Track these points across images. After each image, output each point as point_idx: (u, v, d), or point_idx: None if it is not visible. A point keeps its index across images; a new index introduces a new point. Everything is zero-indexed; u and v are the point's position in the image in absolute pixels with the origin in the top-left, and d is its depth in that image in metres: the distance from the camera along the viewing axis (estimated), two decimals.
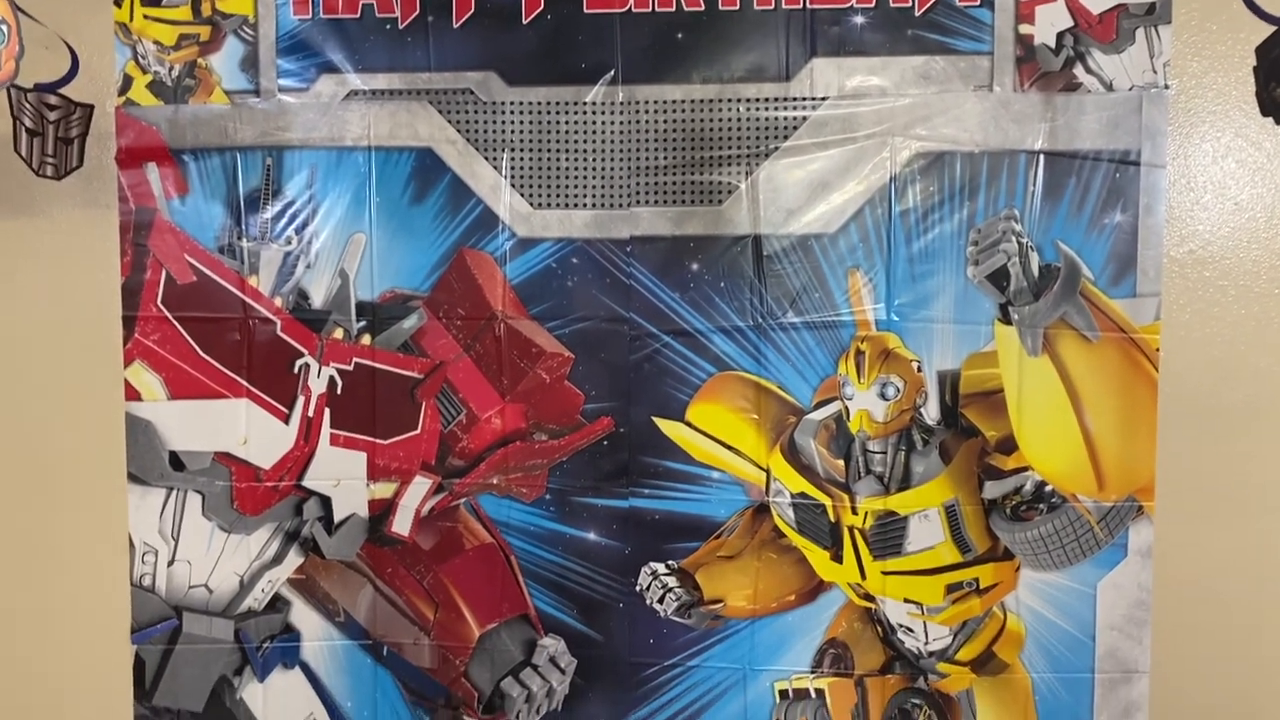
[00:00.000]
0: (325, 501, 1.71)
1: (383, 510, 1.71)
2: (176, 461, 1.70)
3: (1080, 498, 1.64)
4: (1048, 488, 1.64)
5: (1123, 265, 1.60)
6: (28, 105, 1.52)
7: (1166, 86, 1.58)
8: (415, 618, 1.73)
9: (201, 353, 1.68)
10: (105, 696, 1.74)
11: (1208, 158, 1.68)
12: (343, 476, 1.70)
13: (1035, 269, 1.61)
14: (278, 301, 1.68)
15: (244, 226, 1.67)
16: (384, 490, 1.71)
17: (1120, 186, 1.59)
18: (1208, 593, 1.68)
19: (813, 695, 1.71)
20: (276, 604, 1.73)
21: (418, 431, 1.70)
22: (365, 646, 1.73)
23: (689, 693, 1.72)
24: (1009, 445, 1.64)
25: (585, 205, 1.65)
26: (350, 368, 1.69)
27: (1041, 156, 1.60)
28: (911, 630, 1.69)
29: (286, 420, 1.69)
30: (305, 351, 1.68)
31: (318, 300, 1.69)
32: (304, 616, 1.73)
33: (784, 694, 1.71)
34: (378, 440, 1.70)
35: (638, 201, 1.65)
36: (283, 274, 1.68)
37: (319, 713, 1.74)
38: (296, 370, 1.68)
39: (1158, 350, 1.61)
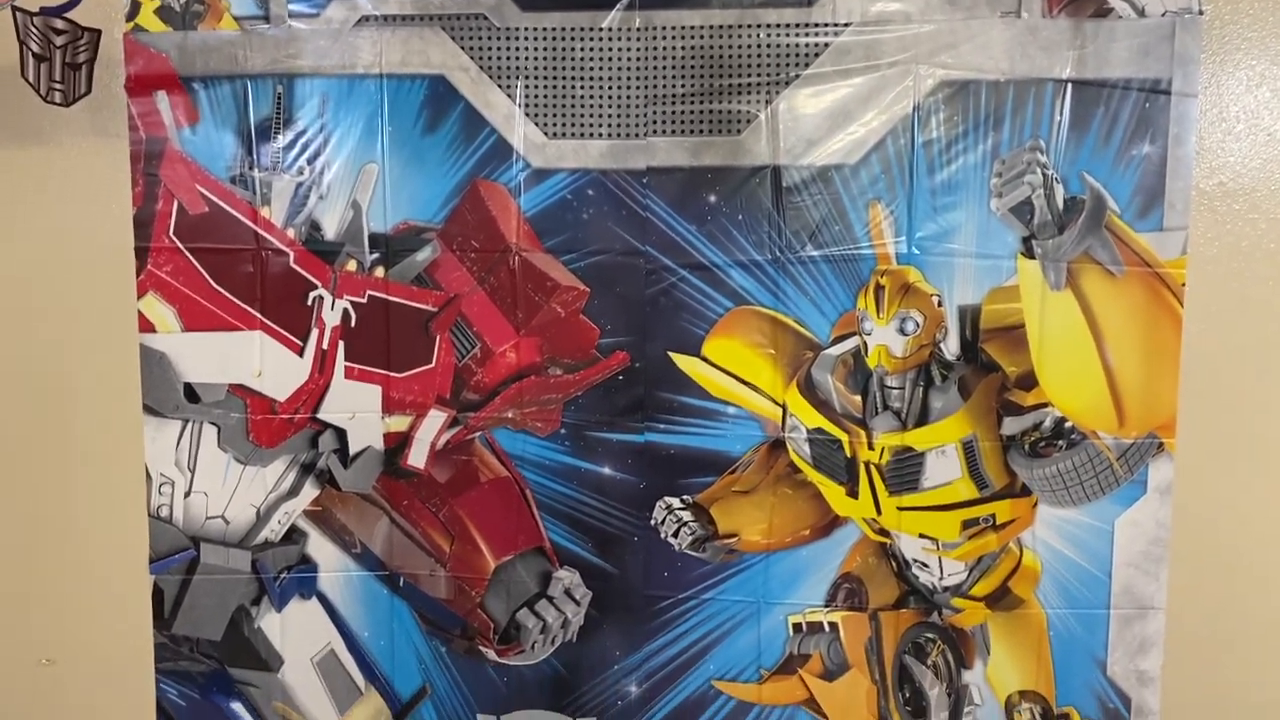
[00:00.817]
0: (340, 434, 1.71)
1: (398, 443, 1.71)
2: (191, 393, 1.69)
3: (1100, 434, 1.62)
4: (1067, 424, 1.63)
5: (1150, 198, 1.57)
6: (34, 29, 1.50)
7: (1200, 12, 1.53)
8: (431, 550, 1.73)
9: (215, 284, 1.67)
10: (125, 625, 1.76)
11: (1241, 86, 1.63)
12: (358, 410, 1.70)
13: (1060, 201, 1.58)
14: (290, 233, 1.66)
15: (255, 156, 1.65)
16: (399, 424, 1.71)
17: (1150, 116, 1.55)
18: (1226, 530, 1.67)
19: (826, 629, 1.71)
20: (293, 535, 1.74)
21: (432, 365, 1.69)
22: (382, 578, 1.74)
23: (703, 625, 1.73)
24: (1029, 381, 1.62)
25: (601, 135, 1.62)
26: (364, 300, 1.68)
27: (1069, 85, 1.56)
28: (926, 565, 1.69)
29: (301, 353, 1.69)
30: (318, 284, 1.67)
31: (330, 232, 1.67)
32: (321, 548, 1.74)
33: (798, 627, 1.72)
34: (392, 374, 1.69)
35: (654, 131, 1.61)
36: (295, 205, 1.66)
37: (336, 642, 1.75)
38: (310, 302, 1.67)
39: (1183, 285, 1.58)
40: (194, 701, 1.77)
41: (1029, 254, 1.59)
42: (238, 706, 1.76)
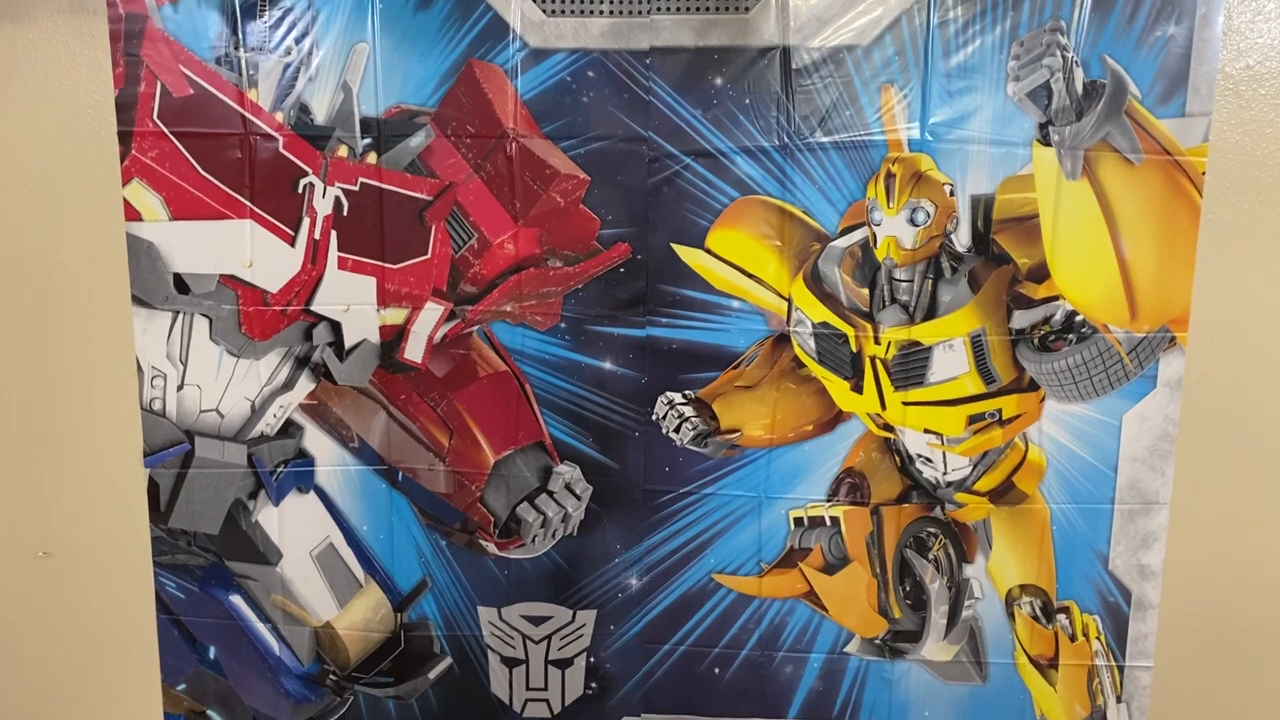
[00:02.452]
0: (335, 327, 1.67)
1: (394, 336, 1.67)
2: (181, 284, 1.65)
3: (1111, 328, 1.59)
4: (1078, 318, 1.59)
5: (1173, 82, 1.51)
6: None
7: None
8: (430, 444, 1.71)
9: (202, 170, 1.61)
10: (122, 519, 1.74)
11: None
12: (352, 302, 1.66)
13: (1079, 86, 1.52)
14: (279, 117, 1.60)
15: (241, 35, 1.57)
16: (395, 316, 1.67)
17: None
18: (1235, 425, 1.65)
19: (828, 523, 1.71)
20: (289, 429, 1.71)
21: (428, 256, 1.65)
22: (380, 472, 1.72)
23: (703, 520, 1.72)
24: (1041, 273, 1.58)
25: (602, 12, 1.55)
26: (356, 188, 1.62)
27: None
28: (930, 460, 1.68)
29: (292, 242, 1.64)
30: (309, 170, 1.61)
31: (320, 116, 1.60)
32: (317, 442, 1.72)
33: (799, 522, 1.71)
34: (387, 265, 1.65)
35: (658, 9, 1.54)
36: (283, 87, 1.59)
37: (335, 536, 1.74)
38: (301, 190, 1.62)
39: (1203, 174, 1.53)
40: (193, 594, 1.77)
41: (1045, 141, 1.54)
42: (237, 599, 1.76)
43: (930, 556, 1.70)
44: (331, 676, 1.79)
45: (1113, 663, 1.71)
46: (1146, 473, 1.64)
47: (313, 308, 1.66)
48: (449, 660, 1.78)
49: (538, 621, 1.76)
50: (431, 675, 1.79)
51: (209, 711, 1.81)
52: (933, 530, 1.70)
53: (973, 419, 1.65)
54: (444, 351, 1.68)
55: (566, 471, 1.71)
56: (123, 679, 1.82)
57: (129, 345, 1.68)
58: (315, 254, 1.64)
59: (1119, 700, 1.72)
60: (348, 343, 1.68)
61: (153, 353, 1.68)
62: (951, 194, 1.56)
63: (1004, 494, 1.67)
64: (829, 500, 1.70)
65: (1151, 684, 1.71)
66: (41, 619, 1.82)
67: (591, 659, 1.77)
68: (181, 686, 1.80)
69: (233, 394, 1.70)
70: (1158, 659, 1.70)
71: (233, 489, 1.72)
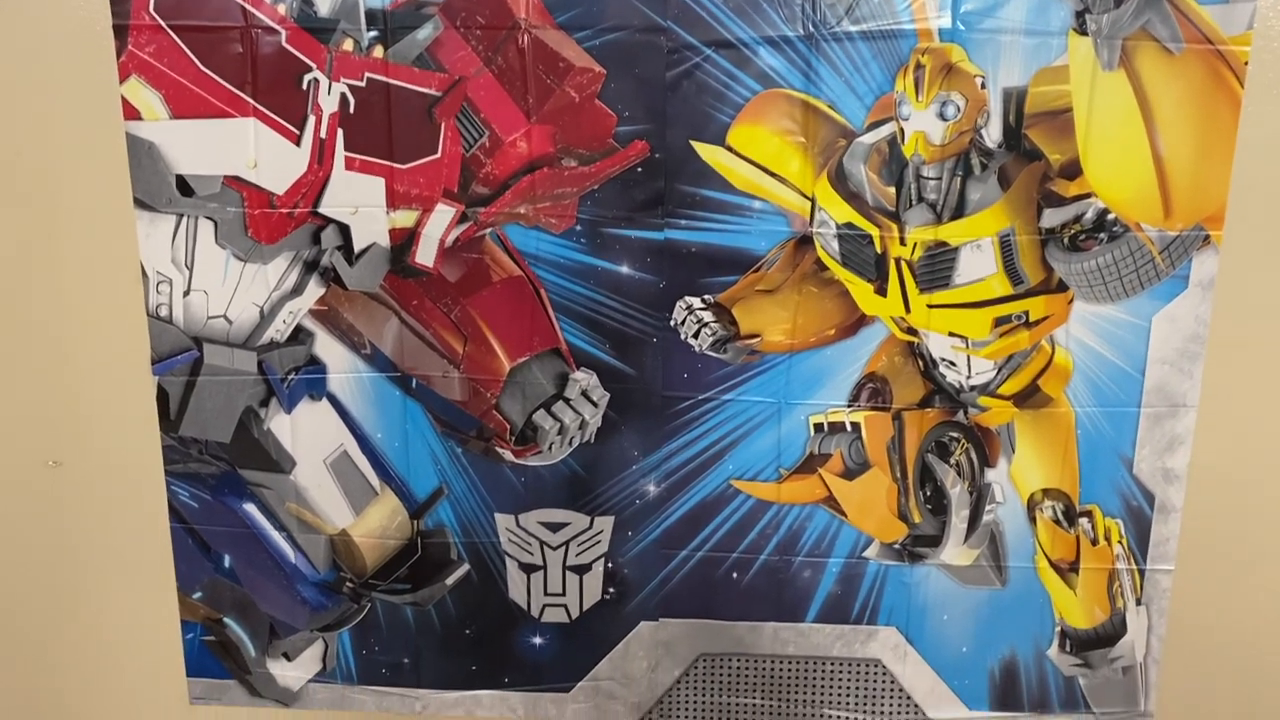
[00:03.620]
0: (344, 230, 1.62)
1: (405, 240, 1.63)
2: (184, 186, 1.60)
3: (1144, 226, 1.54)
4: (1110, 216, 1.55)
5: None
6: None
7: None
8: (444, 351, 1.68)
9: (202, 66, 1.54)
10: (132, 427, 1.72)
11: None
12: (360, 203, 1.61)
13: None
14: (280, 9, 1.52)
15: None
16: (405, 219, 1.62)
17: None
18: (1267, 327, 1.61)
19: (848, 428, 1.68)
20: (299, 336, 1.67)
21: (438, 155, 1.59)
22: (393, 379, 1.69)
23: (722, 426, 1.69)
24: (1073, 170, 1.53)
25: None
26: (362, 84, 1.56)
27: None
28: (954, 364, 1.65)
29: (298, 142, 1.58)
30: (313, 65, 1.55)
31: (324, 8, 1.53)
32: (328, 348, 1.68)
33: (819, 427, 1.69)
34: (395, 165, 1.59)
35: None
36: None
37: (349, 444, 1.72)
38: (305, 86, 1.55)
39: (1246, 64, 1.47)
40: (206, 503, 1.75)
41: (1081, 30, 1.47)
42: (250, 508, 1.75)
43: (952, 461, 1.68)
44: (348, 584, 1.78)
45: (1134, 566, 1.70)
46: (1174, 375, 1.61)
47: (320, 210, 1.61)
48: (466, 567, 1.77)
49: (555, 528, 1.75)
50: (449, 582, 1.78)
51: (225, 619, 1.81)
52: (955, 435, 1.68)
53: (999, 321, 1.61)
54: (456, 255, 1.64)
55: (583, 378, 1.68)
56: (138, 588, 1.81)
57: (133, 250, 1.63)
58: (321, 154, 1.59)
59: (1139, 603, 1.72)
60: (357, 246, 1.63)
61: (157, 257, 1.63)
62: (983, 87, 1.50)
63: (1028, 398, 1.64)
64: (850, 405, 1.67)
65: (1172, 587, 1.71)
66: (54, 529, 1.81)
67: (609, 564, 1.77)
68: (197, 595, 1.80)
69: (240, 300, 1.65)
70: (1179, 562, 1.69)
71: (243, 396, 1.69)
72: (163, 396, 1.70)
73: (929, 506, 1.71)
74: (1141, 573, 1.70)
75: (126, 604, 1.83)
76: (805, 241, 1.60)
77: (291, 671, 1.83)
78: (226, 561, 1.78)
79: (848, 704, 1.80)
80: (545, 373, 1.68)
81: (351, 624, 1.80)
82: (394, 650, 1.82)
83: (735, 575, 1.76)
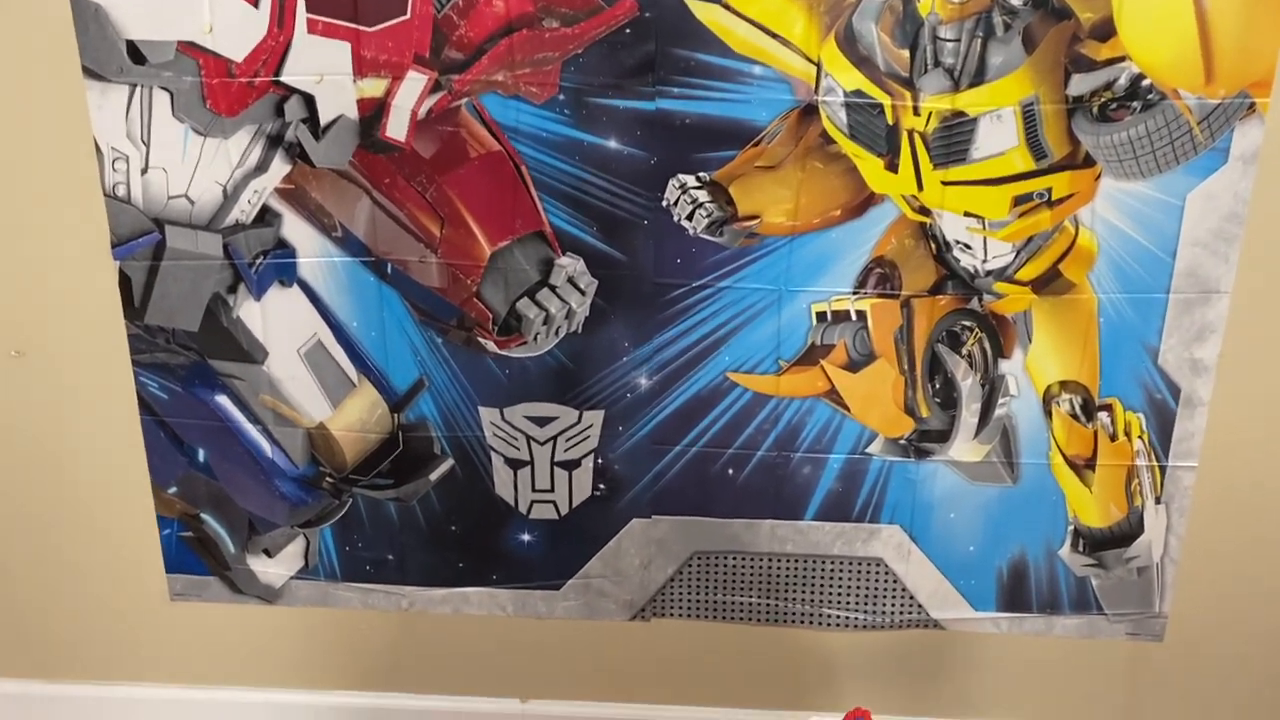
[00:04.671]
0: (309, 101, 1.50)
1: (374, 111, 1.50)
2: (136, 53, 1.47)
3: (1182, 93, 1.40)
4: (1145, 81, 1.40)
5: None
6: None
7: None
8: (419, 233, 1.57)
9: None
10: (95, 315, 1.63)
11: None
12: (325, 71, 1.48)
13: None
14: None
15: None
16: (373, 88, 1.49)
17: None
18: None
19: (853, 317, 1.57)
20: (266, 217, 1.57)
21: (407, 17, 1.45)
22: (367, 264, 1.59)
23: (718, 315, 1.59)
24: (1106, 30, 1.38)
25: None
26: None
27: None
28: (969, 247, 1.53)
29: (256, 3, 1.45)
30: None
31: None
32: (297, 230, 1.57)
33: (822, 316, 1.58)
34: (362, 28, 1.46)
35: None
36: None
37: (323, 333, 1.63)
38: None
39: None
40: (176, 395, 1.67)
41: None
42: (223, 400, 1.67)
43: (963, 352, 1.58)
44: (328, 479, 1.71)
45: (1154, 463, 1.61)
46: (1208, 258, 1.48)
47: (282, 78, 1.48)
48: (450, 462, 1.70)
49: (542, 422, 1.67)
50: (433, 477, 1.71)
51: (203, 515, 1.75)
52: (968, 324, 1.57)
53: (1019, 200, 1.48)
54: (430, 128, 1.51)
55: (569, 264, 1.57)
56: (111, 482, 1.75)
57: (84, 123, 1.52)
58: (282, 16, 1.45)
59: (1158, 501, 1.63)
60: (323, 119, 1.51)
61: (111, 132, 1.52)
62: None
63: (1048, 283, 1.53)
64: (855, 292, 1.56)
65: (1194, 485, 1.61)
66: (20, 421, 1.73)
67: (599, 460, 1.68)
68: (173, 490, 1.74)
69: (202, 178, 1.54)
70: (1203, 459, 1.60)
71: (210, 282, 1.60)
72: (125, 283, 1.60)
73: (938, 400, 1.61)
74: (1162, 469, 1.61)
75: (100, 500, 1.77)
76: (810, 111, 1.47)
77: (273, 568, 1.78)
78: (201, 456, 1.71)
79: (848, 603, 1.74)
80: (529, 258, 1.57)
81: (333, 520, 1.74)
82: (378, 547, 1.76)
83: (731, 472, 1.68)
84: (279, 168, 1.54)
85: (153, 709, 1.90)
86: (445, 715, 1.88)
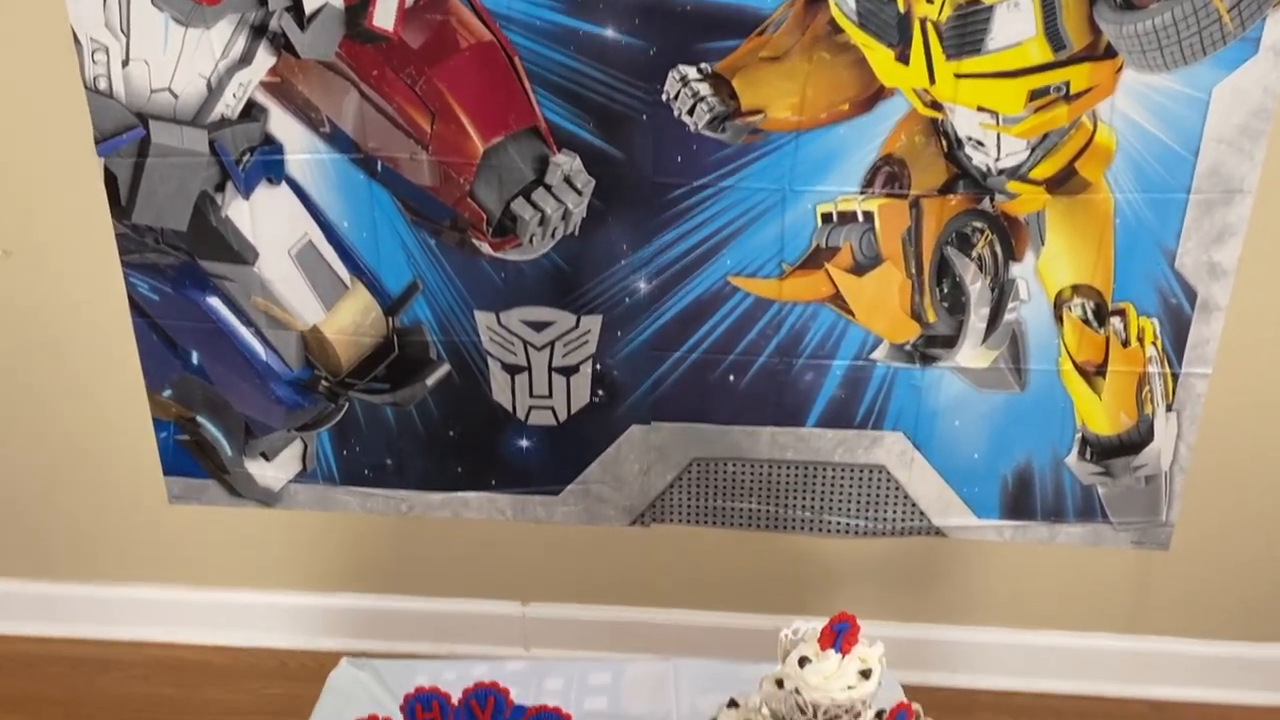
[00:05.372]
0: None
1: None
2: None
3: None
4: None
5: None
6: None
7: None
8: (409, 129, 1.51)
9: None
10: (82, 215, 1.59)
11: None
12: None
13: None
14: None
15: None
16: None
17: None
18: None
19: (860, 218, 1.52)
20: (252, 111, 1.51)
21: None
22: (357, 161, 1.54)
23: (720, 216, 1.54)
24: None
25: None
26: None
27: None
28: (982, 144, 1.46)
29: None
30: None
31: None
32: (284, 126, 1.52)
33: (827, 217, 1.53)
34: None
35: None
36: None
37: (314, 233, 1.59)
38: None
39: None
40: (167, 296, 1.64)
41: None
42: (214, 301, 1.64)
43: (973, 254, 1.53)
44: (324, 383, 1.69)
45: (1167, 369, 1.56)
46: (1232, 156, 1.42)
47: None
48: (447, 367, 1.67)
49: (539, 327, 1.63)
50: (429, 382, 1.68)
51: (199, 418, 1.73)
52: (978, 225, 1.51)
53: (1035, 94, 1.41)
54: (419, 17, 1.45)
55: (565, 162, 1.52)
56: (106, 385, 1.73)
57: (61, 13, 1.46)
58: None
59: (1169, 409, 1.59)
60: (308, 7, 1.44)
61: (89, 21, 1.46)
62: None
63: (1063, 182, 1.47)
64: (863, 192, 1.50)
65: (1207, 392, 1.57)
66: (12, 323, 1.71)
67: (598, 366, 1.65)
68: (168, 393, 1.72)
69: (185, 70, 1.49)
70: (1217, 366, 1.55)
71: (197, 180, 1.55)
72: (111, 180, 1.56)
73: (945, 304, 1.57)
74: (1175, 376, 1.57)
75: (95, 403, 1.76)
76: (817, 0, 1.40)
77: (271, 472, 1.77)
78: (195, 359, 1.69)
79: (848, 510, 1.72)
80: (523, 155, 1.52)
81: (330, 424, 1.72)
82: (375, 451, 1.74)
83: (732, 379, 1.64)
84: (264, 60, 1.48)
85: (155, 610, 1.91)
86: (447, 617, 1.89)
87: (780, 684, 0.97)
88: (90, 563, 1.89)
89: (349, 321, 1.65)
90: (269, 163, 1.54)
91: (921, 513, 1.70)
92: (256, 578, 1.89)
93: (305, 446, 1.75)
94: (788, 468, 1.70)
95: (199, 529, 1.84)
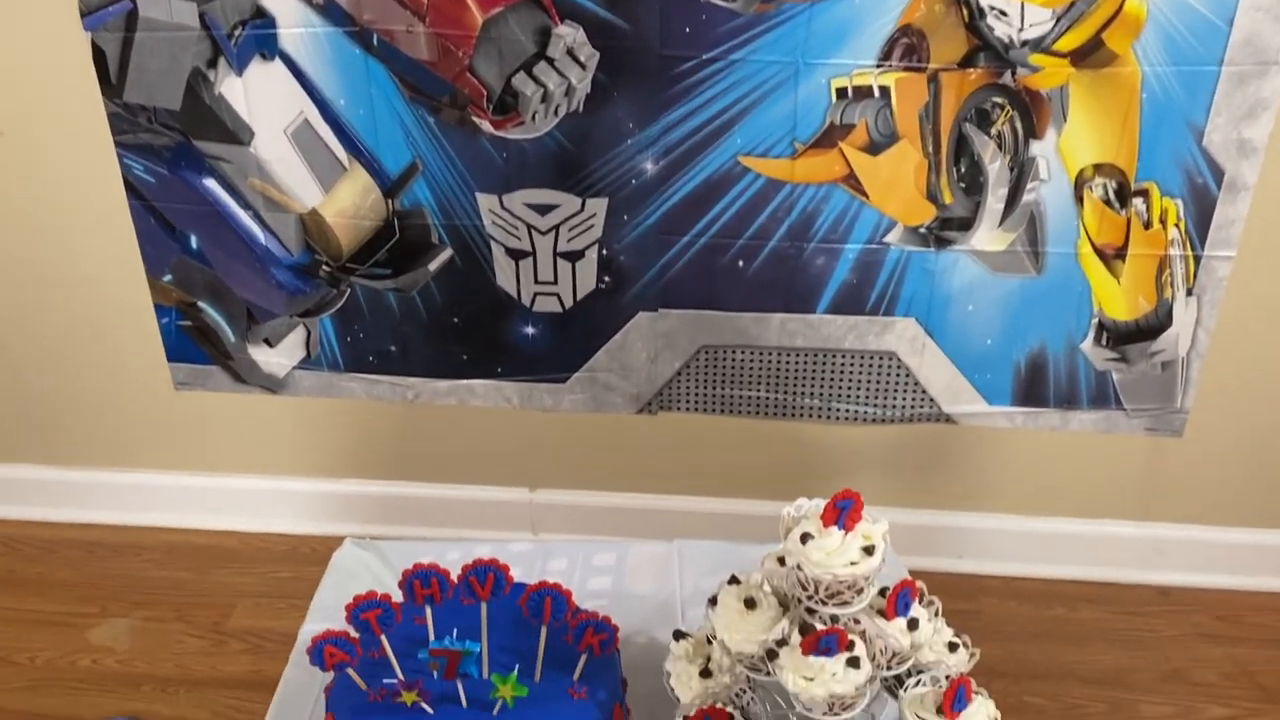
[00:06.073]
0: None
1: None
2: None
3: None
4: None
5: None
6: None
7: None
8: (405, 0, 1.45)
9: None
10: (72, 93, 1.54)
11: None
12: None
13: None
14: None
15: None
16: None
17: None
18: None
19: (876, 94, 1.46)
20: None
21: None
22: (352, 34, 1.48)
23: (730, 92, 1.48)
24: None
25: None
26: None
27: None
28: (1004, 14, 1.39)
29: None
30: None
31: None
32: None
33: (842, 93, 1.47)
34: None
35: None
36: None
37: (309, 111, 1.54)
38: None
39: None
40: (163, 178, 1.60)
41: None
42: (210, 183, 1.60)
43: (993, 131, 1.47)
44: (324, 267, 1.66)
45: (1189, 252, 1.52)
46: (1269, 24, 1.34)
47: None
48: (449, 252, 1.64)
49: (543, 210, 1.59)
50: (431, 267, 1.65)
51: (200, 303, 1.71)
52: (999, 100, 1.45)
53: None
54: None
55: (568, 34, 1.45)
56: (105, 271, 1.71)
57: None
58: None
59: (1190, 294, 1.55)
60: None
61: None
62: None
63: (1089, 54, 1.40)
64: (879, 65, 1.44)
65: (1229, 276, 1.53)
66: (7, 208, 1.68)
67: (604, 251, 1.62)
68: (167, 278, 1.69)
69: None
70: (1241, 248, 1.51)
71: (188, 56, 1.50)
72: (100, 57, 1.51)
73: (962, 185, 1.52)
74: (1197, 259, 1.52)
75: (94, 287, 1.74)
76: None
77: (275, 358, 1.75)
78: (194, 242, 1.66)
79: (858, 397, 1.70)
80: (524, 27, 1.46)
81: (332, 310, 1.70)
82: (380, 338, 1.72)
83: (741, 264, 1.61)
84: None
85: (167, 496, 1.93)
86: (456, 504, 1.90)
87: (782, 561, 0.96)
88: (99, 449, 1.90)
89: (348, 204, 1.61)
90: (261, 37, 1.48)
91: (932, 400, 1.68)
92: (266, 464, 1.90)
93: (308, 333, 1.73)
94: (797, 355, 1.67)
95: (207, 416, 1.84)
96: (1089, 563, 1.83)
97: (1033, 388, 1.65)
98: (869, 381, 1.68)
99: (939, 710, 0.89)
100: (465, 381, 1.76)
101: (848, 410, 1.71)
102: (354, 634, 0.92)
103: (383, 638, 0.93)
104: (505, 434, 1.82)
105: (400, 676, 0.92)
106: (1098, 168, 1.47)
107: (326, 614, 1.11)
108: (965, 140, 1.48)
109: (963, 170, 1.50)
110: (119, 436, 1.88)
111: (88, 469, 1.92)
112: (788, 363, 1.68)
